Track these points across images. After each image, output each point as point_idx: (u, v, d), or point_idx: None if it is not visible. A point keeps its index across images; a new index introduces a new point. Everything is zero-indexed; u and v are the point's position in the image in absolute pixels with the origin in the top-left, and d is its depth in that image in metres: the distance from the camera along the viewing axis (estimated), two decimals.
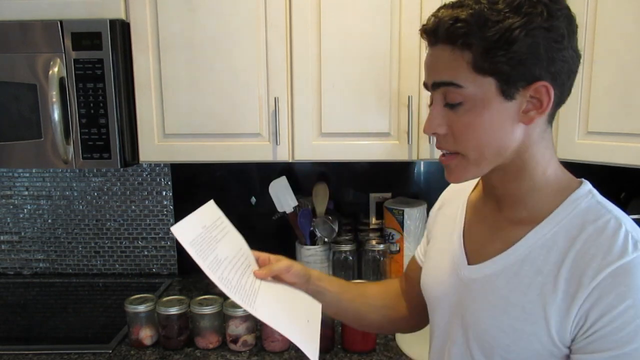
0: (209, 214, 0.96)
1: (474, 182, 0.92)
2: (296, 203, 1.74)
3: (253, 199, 1.86)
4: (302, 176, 1.83)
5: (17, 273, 1.93)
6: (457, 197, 0.94)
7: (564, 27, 0.69)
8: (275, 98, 1.45)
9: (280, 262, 0.92)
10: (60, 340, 1.43)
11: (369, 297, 1.04)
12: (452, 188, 0.99)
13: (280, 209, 1.73)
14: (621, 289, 0.66)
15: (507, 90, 0.70)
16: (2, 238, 1.91)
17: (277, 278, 0.92)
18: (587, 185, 0.77)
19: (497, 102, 0.70)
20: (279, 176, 1.74)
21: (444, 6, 0.72)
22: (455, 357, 0.84)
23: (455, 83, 0.71)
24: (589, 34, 1.33)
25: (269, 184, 1.72)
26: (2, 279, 1.89)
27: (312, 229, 1.73)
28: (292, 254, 1.78)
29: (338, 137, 1.48)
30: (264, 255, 0.96)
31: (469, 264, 0.83)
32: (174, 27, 1.43)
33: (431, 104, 0.76)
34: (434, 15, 0.73)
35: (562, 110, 1.41)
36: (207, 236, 0.86)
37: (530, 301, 0.73)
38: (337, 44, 1.43)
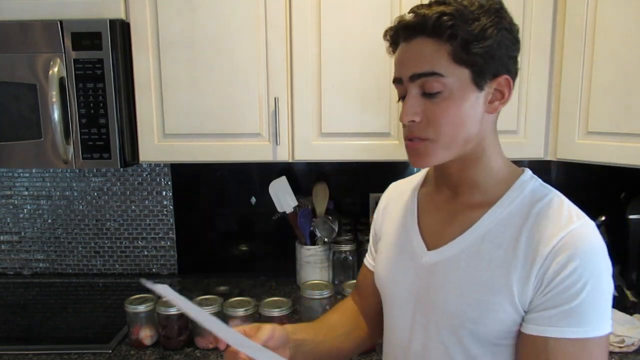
0: (171, 293, 0.86)
1: (419, 179, 0.99)
2: (296, 203, 1.74)
3: (253, 199, 1.86)
4: (302, 176, 1.83)
5: (17, 273, 1.93)
6: (401, 196, 1.00)
7: (517, 33, 0.81)
8: (275, 98, 1.45)
9: (262, 332, 0.85)
10: (60, 340, 1.43)
11: (336, 328, 1.03)
12: (393, 189, 1.05)
13: (280, 209, 1.73)
14: (570, 251, 0.74)
15: (479, 81, 0.78)
16: (2, 238, 1.91)
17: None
18: (529, 172, 0.87)
19: (470, 91, 0.78)
20: (279, 176, 1.74)
21: (422, 5, 0.79)
22: (423, 343, 0.87)
23: (437, 72, 0.77)
24: (589, 34, 1.33)
25: (269, 184, 1.72)
26: (2, 279, 1.89)
27: (312, 229, 1.73)
28: (292, 254, 1.78)
29: (338, 137, 1.49)
30: (239, 329, 0.88)
31: (428, 250, 0.88)
32: (174, 27, 1.43)
33: (401, 99, 0.82)
34: (413, 12, 0.79)
35: (562, 110, 1.41)
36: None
37: (493, 274, 0.79)
38: (337, 44, 1.43)
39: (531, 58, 1.41)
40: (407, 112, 0.79)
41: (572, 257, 0.73)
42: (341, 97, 1.46)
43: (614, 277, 1.66)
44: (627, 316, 1.39)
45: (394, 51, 0.85)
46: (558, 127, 1.42)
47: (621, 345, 1.29)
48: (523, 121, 1.44)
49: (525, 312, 0.77)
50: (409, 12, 0.80)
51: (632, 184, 1.69)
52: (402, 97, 0.83)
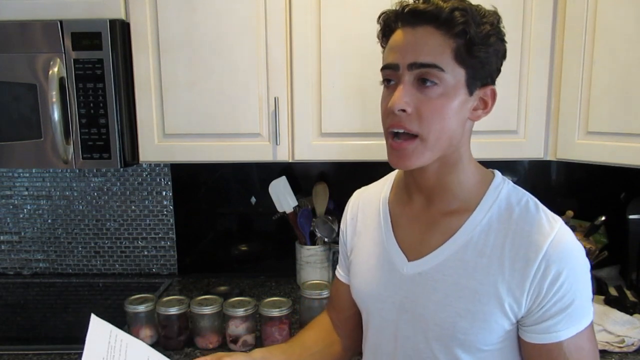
0: (100, 334, 0.85)
1: (386, 186, 0.97)
2: (296, 203, 1.74)
3: (253, 199, 1.86)
4: (302, 176, 1.83)
5: (17, 273, 1.93)
6: (369, 205, 0.98)
7: (506, 49, 0.81)
8: (275, 98, 1.45)
9: None
10: (60, 340, 1.42)
11: (310, 347, 1.02)
12: (358, 197, 1.03)
13: (280, 209, 1.73)
14: (561, 261, 0.76)
15: (471, 85, 0.78)
16: (2, 238, 1.91)
17: None
18: (499, 174, 0.87)
19: (461, 94, 0.78)
20: (279, 176, 1.74)
21: None
22: (410, 355, 0.87)
23: (439, 66, 0.75)
24: (589, 34, 1.33)
25: (269, 184, 1.72)
26: (2, 279, 1.89)
27: (312, 229, 1.73)
28: (292, 254, 1.78)
29: (338, 137, 1.49)
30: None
31: (409, 260, 0.87)
32: (174, 27, 1.43)
33: (389, 83, 0.80)
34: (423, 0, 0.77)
35: (562, 110, 1.41)
36: None
37: (480, 283, 0.79)
38: (337, 44, 1.43)
39: (531, 58, 1.41)
40: (400, 99, 0.76)
41: (563, 266, 0.76)
42: (341, 97, 1.46)
43: (614, 277, 1.67)
44: (627, 316, 1.39)
45: (384, 35, 0.82)
46: (558, 127, 1.42)
47: (621, 345, 1.29)
48: (523, 121, 1.44)
49: (517, 320, 0.80)
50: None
51: (632, 184, 1.69)
52: (385, 81, 0.81)
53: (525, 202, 0.82)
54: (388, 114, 0.79)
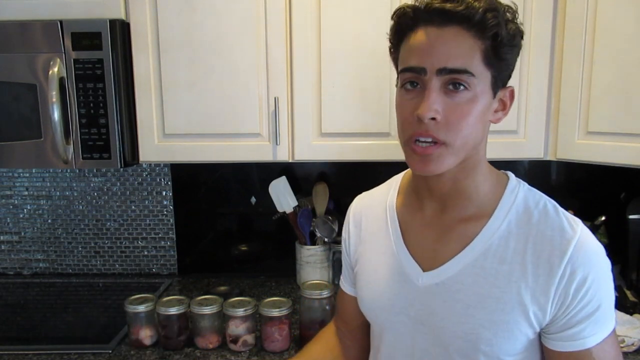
0: None
1: (391, 191, 0.92)
2: (296, 203, 1.74)
3: (253, 199, 1.86)
4: (302, 176, 1.83)
5: (17, 273, 1.92)
6: (373, 212, 0.93)
7: None
8: (275, 98, 1.45)
9: None
10: (60, 340, 1.42)
11: (318, 359, 1.01)
12: (360, 204, 0.98)
13: (280, 209, 1.73)
14: (586, 266, 0.74)
15: (495, 87, 0.75)
16: (2, 238, 1.91)
17: None
18: (513, 176, 0.84)
19: (488, 97, 0.74)
20: (279, 176, 1.74)
21: None
22: None
23: (470, 72, 0.71)
24: (589, 34, 1.33)
25: (269, 184, 1.72)
26: (2, 279, 1.89)
27: (312, 229, 1.73)
28: (292, 254, 1.78)
29: (338, 137, 1.48)
30: None
31: (424, 271, 0.82)
32: (174, 27, 1.43)
33: (413, 86, 0.74)
34: None
35: (562, 110, 1.41)
36: None
37: (503, 291, 0.76)
38: (337, 43, 1.43)
39: (531, 58, 1.41)
40: (430, 106, 0.70)
41: (589, 270, 0.74)
42: (341, 97, 1.46)
43: (614, 277, 1.67)
44: (627, 316, 1.39)
45: (399, 32, 0.76)
46: (558, 127, 1.42)
47: (621, 345, 1.29)
48: (523, 121, 1.44)
49: (541, 328, 0.77)
50: None
51: (632, 184, 1.69)
52: (406, 84, 0.74)
53: (544, 205, 0.79)
54: (412, 121, 0.73)
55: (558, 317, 0.75)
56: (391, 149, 1.48)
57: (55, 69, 1.38)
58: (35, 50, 1.39)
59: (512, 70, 0.77)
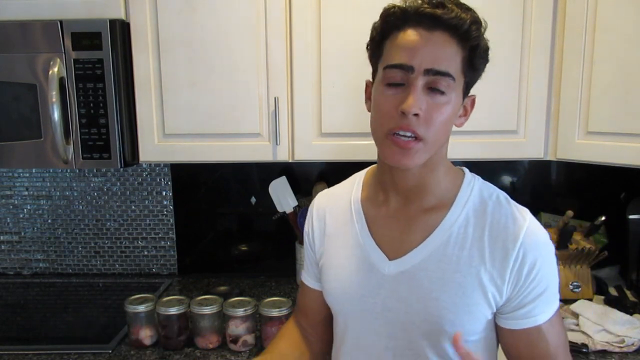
0: None
1: (354, 187, 0.97)
2: (296, 203, 1.74)
3: (253, 199, 1.86)
4: (302, 176, 1.83)
5: (17, 273, 1.93)
6: (337, 206, 0.98)
7: None
8: (275, 98, 1.45)
9: None
10: (60, 340, 1.42)
11: (288, 355, 1.02)
12: (323, 200, 1.03)
13: (280, 209, 1.73)
14: (535, 250, 0.81)
15: (464, 94, 0.83)
16: (2, 238, 1.91)
17: None
18: (467, 171, 0.92)
19: (459, 101, 0.82)
20: (279, 176, 1.74)
21: (450, 1, 0.78)
22: (396, 353, 0.87)
23: (452, 75, 0.78)
24: (589, 34, 1.33)
25: (269, 184, 1.72)
26: (2, 279, 1.89)
27: None
28: (292, 254, 1.78)
29: (338, 137, 1.48)
30: None
31: (389, 259, 0.87)
32: (174, 27, 1.43)
33: (390, 84, 0.79)
34: (441, 6, 0.77)
35: (562, 110, 1.41)
36: None
37: (464, 275, 0.82)
38: (337, 43, 1.43)
39: (531, 58, 1.41)
40: (415, 104, 0.76)
41: (538, 254, 0.82)
42: (341, 97, 1.46)
43: (614, 277, 1.66)
44: (627, 316, 1.39)
45: (386, 30, 0.81)
46: (558, 127, 1.42)
47: (621, 345, 1.29)
48: (523, 121, 1.44)
49: (497, 308, 0.84)
50: (436, 2, 0.77)
51: (632, 184, 1.69)
52: (390, 84, 0.79)
53: (497, 196, 0.87)
54: (394, 115, 0.78)
55: (512, 297, 0.82)
56: None
57: (55, 69, 1.38)
58: (35, 50, 1.39)
59: (477, 81, 0.85)
